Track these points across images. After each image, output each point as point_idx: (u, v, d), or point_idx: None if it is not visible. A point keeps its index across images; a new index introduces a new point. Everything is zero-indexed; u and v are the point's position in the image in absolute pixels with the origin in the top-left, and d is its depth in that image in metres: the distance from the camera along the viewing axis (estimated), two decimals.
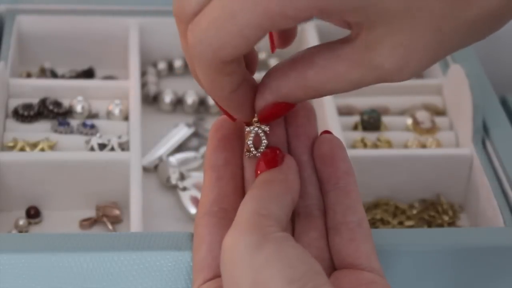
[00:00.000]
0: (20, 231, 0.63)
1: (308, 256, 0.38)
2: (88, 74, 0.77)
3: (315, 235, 0.45)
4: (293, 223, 0.46)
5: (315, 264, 0.38)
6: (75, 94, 0.71)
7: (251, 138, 0.45)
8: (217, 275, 0.43)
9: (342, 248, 0.44)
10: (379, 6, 0.39)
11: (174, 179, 0.68)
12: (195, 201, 0.67)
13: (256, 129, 0.45)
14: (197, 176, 0.69)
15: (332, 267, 0.44)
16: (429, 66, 0.42)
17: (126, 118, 0.70)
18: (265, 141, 0.45)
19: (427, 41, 0.40)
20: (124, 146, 0.67)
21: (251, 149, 0.45)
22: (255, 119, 0.45)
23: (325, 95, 0.43)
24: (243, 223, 0.39)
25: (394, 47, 0.40)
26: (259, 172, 0.44)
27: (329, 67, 0.41)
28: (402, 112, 0.73)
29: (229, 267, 0.38)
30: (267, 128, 0.45)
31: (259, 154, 0.45)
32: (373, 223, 0.66)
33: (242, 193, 0.46)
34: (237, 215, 0.41)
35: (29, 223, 0.64)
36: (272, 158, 0.44)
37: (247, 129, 0.45)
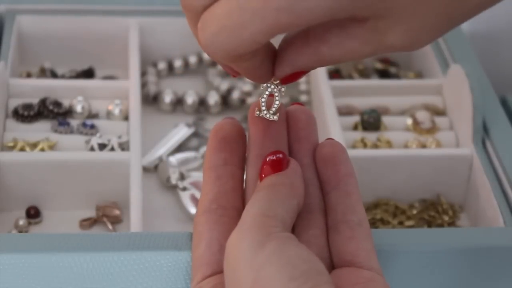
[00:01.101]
0: (20, 231, 0.63)
1: (311, 255, 0.38)
2: (88, 74, 0.77)
3: (315, 232, 0.45)
4: (294, 223, 0.46)
5: (317, 263, 0.38)
6: (75, 94, 0.71)
7: (265, 96, 0.46)
8: (215, 272, 0.44)
9: (342, 246, 0.44)
10: (388, 2, 0.39)
11: (174, 179, 0.68)
12: (195, 201, 0.67)
13: (273, 87, 0.45)
14: (197, 176, 0.69)
15: (331, 265, 0.45)
16: (440, 37, 0.43)
17: (126, 118, 0.70)
18: (278, 102, 0.46)
19: (436, 24, 0.41)
20: (124, 146, 0.67)
21: (263, 108, 0.46)
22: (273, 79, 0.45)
23: (341, 63, 0.45)
24: (248, 223, 0.40)
25: (404, 31, 0.41)
26: (263, 175, 0.44)
27: (342, 43, 0.42)
28: (402, 112, 0.73)
29: (232, 265, 0.38)
30: (283, 88, 0.45)
31: (268, 115, 0.46)
32: (373, 223, 0.66)
33: (241, 192, 0.46)
34: (242, 215, 0.41)
35: (29, 223, 0.64)
36: (277, 162, 0.44)
37: (263, 85, 0.45)
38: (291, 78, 0.44)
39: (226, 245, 0.39)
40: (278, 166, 0.44)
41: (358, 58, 0.43)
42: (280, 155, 0.45)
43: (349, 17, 0.40)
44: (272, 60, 0.44)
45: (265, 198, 0.42)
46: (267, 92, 0.46)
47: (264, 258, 0.38)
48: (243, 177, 0.47)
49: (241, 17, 0.38)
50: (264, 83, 0.45)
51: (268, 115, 0.46)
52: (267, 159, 0.45)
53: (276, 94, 0.45)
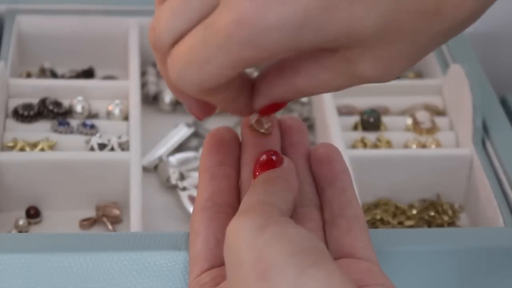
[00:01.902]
0: (20, 231, 0.63)
1: (312, 235, 0.39)
2: (88, 74, 0.77)
3: (311, 226, 0.46)
4: (290, 217, 0.46)
5: (317, 240, 0.39)
6: (75, 94, 0.71)
7: (253, 121, 0.47)
8: (213, 266, 0.44)
9: (339, 239, 0.45)
10: (354, 33, 0.40)
11: (174, 179, 0.68)
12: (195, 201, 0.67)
13: (257, 116, 0.47)
14: (196, 176, 0.69)
15: None
16: (411, 66, 0.44)
17: (126, 118, 0.70)
18: (267, 124, 0.47)
19: (405, 52, 0.42)
20: (124, 146, 0.67)
21: (255, 128, 0.47)
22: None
23: (316, 94, 0.45)
24: (247, 210, 0.40)
25: (374, 60, 0.42)
26: (257, 173, 0.45)
27: (315, 75, 0.43)
28: (402, 112, 0.73)
29: (232, 249, 0.39)
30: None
31: (261, 130, 0.47)
32: (373, 223, 0.66)
33: (237, 191, 0.47)
34: (241, 205, 0.42)
35: (29, 223, 0.64)
36: (271, 160, 0.45)
37: (250, 121, 0.47)
38: (269, 110, 0.45)
39: (226, 232, 0.40)
40: (272, 163, 0.45)
41: (332, 89, 0.43)
42: (273, 154, 0.45)
43: (317, 48, 0.41)
44: (250, 93, 0.45)
45: (262, 189, 0.43)
46: (254, 117, 0.47)
47: (265, 239, 0.38)
48: (237, 178, 0.47)
49: (206, 51, 0.39)
50: (245, 116, 0.46)
51: (261, 130, 0.47)
52: (261, 158, 0.45)
53: (263, 120, 0.47)
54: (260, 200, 0.41)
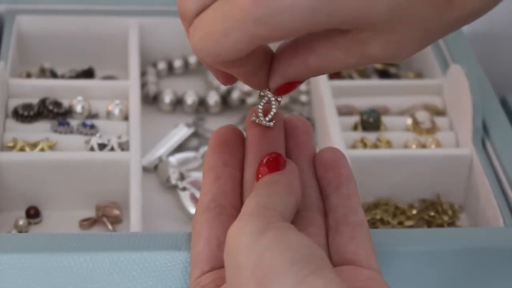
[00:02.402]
0: (20, 231, 0.63)
1: (311, 242, 0.39)
2: (88, 74, 0.77)
3: (313, 231, 0.45)
4: (292, 221, 0.46)
5: (318, 249, 0.38)
6: (75, 94, 0.71)
7: (262, 103, 0.47)
8: (214, 268, 0.44)
9: (342, 246, 0.45)
10: (366, 18, 0.41)
11: (174, 179, 0.68)
12: (195, 200, 0.67)
13: (270, 96, 0.47)
14: (197, 176, 0.69)
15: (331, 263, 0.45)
16: (420, 50, 0.45)
17: (126, 118, 0.70)
18: (275, 110, 0.47)
19: (415, 37, 0.43)
20: (124, 146, 0.67)
21: (259, 115, 0.47)
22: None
23: (328, 73, 0.47)
24: (248, 214, 0.40)
25: (385, 43, 0.42)
26: (260, 176, 0.45)
27: (328, 53, 0.43)
28: (402, 112, 0.73)
29: (232, 253, 0.39)
30: (280, 98, 0.47)
31: (264, 122, 0.47)
32: (373, 223, 0.66)
33: (240, 192, 0.47)
34: (242, 209, 0.42)
35: (29, 223, 0.64)
36: (274, 162, 0.45)
37: (261, 93, 0.47)
38: (284, 89, 0.46)
39: (226, 236, 0.40)
40: (274, 166, 0.45)
41: (343, 68, 0.44)
42: (277, 156, 0.45)
43: (330, 29, 0.42)
44: (269, 69, 0.46)
45: (264, 193, 0.43)
46: (264, 100, 0.47)
47: (265, 244, 0.38)
48: (242, 179, 0.47)
49: (223, 25, 0.40)
50: (261, 89, 0.46)
51: (264, 122, 0.47)
52: (264, 160, 0.45)
53: (273, 103, 0.47)
54: (261, 204, 0.41)
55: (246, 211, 0.41)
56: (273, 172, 0.45)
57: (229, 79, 0.46)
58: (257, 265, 0.37)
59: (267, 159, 0.45)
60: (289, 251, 0.37)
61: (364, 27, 0.41)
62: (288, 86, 0.46)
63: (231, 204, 0.46)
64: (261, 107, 0.47)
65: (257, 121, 0.47)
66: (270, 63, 0.45)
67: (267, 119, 0.47)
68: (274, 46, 0.45)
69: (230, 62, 0.42)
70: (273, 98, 0.47)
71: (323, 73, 0.45)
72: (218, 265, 0.44)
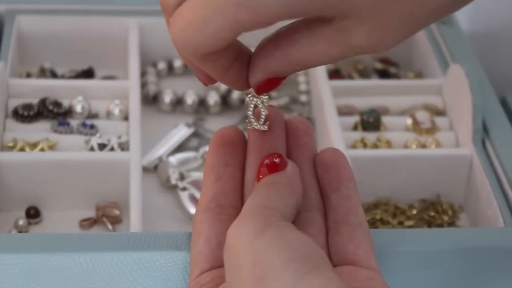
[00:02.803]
0: (20, 231, 0.63)
1: (311, 241, 0.39)
2: (88, 74, 0.77)
3: (313, 231, 0.45)
4: (292, 221, 0.46)
5: (317, 247, 0.38)
6: (75, 94, 0.71)
7: (251, 109, 0.47)
8: (214, 267, 0.44)
9: (342, 246, 0.45)
10: (350, 3, 0.40)
11: (174, 179, 0.68)
12: (195, 200, 0.67)
13: (255, 99, 0.46)
14: (197, 176, 0.69)
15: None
16: (406, 39, 0.44)
17: (126, 118, 0.70)
18: (264, 111, 0.47)
19: (400, 23, 0.42)
20: (124, 146, 0.67)
21: (252, 120, 0.47)
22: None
23: (311, 67, 0.45)
24: (248, 213, 0.40)
25: (369, 31, 0.41)
26: (261, 176, 0.45)
27: (310, 45, 0.43)
28: (402, 112, 0.73)
29: (231, 252, 0.39)
30: (265, 98, 0.46)
31: (258, 126, 0.47)
32: (373, 223, 0.66)
33: (241, 192, 0.47)
34: (242, 209, 0.42)
35: (29, 223, 0.64)
36: (275, 163, 0.45)
37: (246, 99, 0.47)
38: (265, 86, 0.45)
39: (226, 235, 0.40)
40: (275, 167, 0.45)
41: (327, 61, 0.43)
42: (277, 157, 0.45)
43: (313, 17, 0.41)
44: (246, 65, 0.45)
45: (264, 193, 0.43)
46: (252, 105, 0.47)
47: (264, 243, 0.38)
48: (243, 179, 0.47)
49: (204, 12, 0.40)
50: (241, 90, 0.46)
51: (258, 126, 0.47)
52: (265, 161, 0.45)
53: (260, 105, 0.46)
54: (262, 204, 0.41)
55: (246, 211, 0.41)
56: (274, 172, 0.45)
57: (210, 78, 0.45)
58: (255, 264, 0.37)
59: (267, 160, 0.45)
60: (288, 249, 0.37)
61: (348, 13, 0.41)
62: (270, 83, 0.45)
63: (231, 204, 0.46)
64: (251, 112, 0.47)
65: (251, 127, 0.47)
66: (246, 59, 0.45)
67: (260, 122, 0.47)
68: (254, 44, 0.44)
69: (208, 55, 0.42)
70: (260, 101, 0.46)
71: (306, 67, 0.44)
72: (218, 264, 0.44)
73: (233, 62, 0.44)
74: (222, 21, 0.40)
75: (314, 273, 0.36)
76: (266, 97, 0.46)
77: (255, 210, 0.40)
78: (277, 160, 0.45)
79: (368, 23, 0.41)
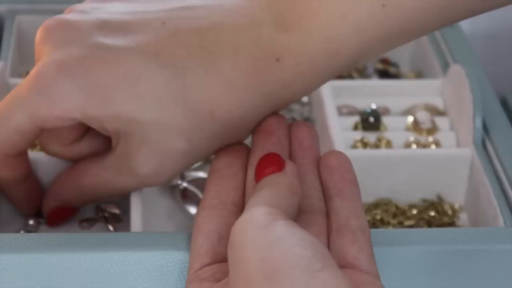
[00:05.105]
0: (29, 231, 0.63)
1: (317, 241, 0.39)
2: None
3: (315, 231, 0.45)
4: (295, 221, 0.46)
5: (324, 248, 0.38)
6: None
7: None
8: (214, 262, 0.44)
9: (343, 249, 0.45)
10: (131, 115, 0.45)
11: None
12: (195, 201, 0.67)
13: None
14: (197, 176, 0.69)
15: None
16: (183, 171, 0.51)
17: None
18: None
19: (179, 149, 0.46)
20: None
21: None
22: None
23: (104, 197, 0.52)
24: (253, 211, 0.40)
25: (149, 155, 0.46)
26: (259, 175, 0.45)
27: (98, 174, 0.48)
28: (402, 112, 0.73)
29: (238, 248, 0.39)
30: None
31: None
32: (373, 223, 0.66)
33: (243, 191, 0.47)
34: (246, 206, 0.42)
35: (39, 223, 0.64)
36: (274, 163, 0.45)
37: None
38: (58, 216, 0.51)
39: (231, 231, 0.39)
40: (274, 166, 0.45)
41: (112, 191, 0.50)
42: (275, 157, 0.45)
43: (99, 125, 0.46)
44: (37, 191, 0.52)
45: (267, 193, 0.43)
46: None
47: (272, 239, 0.38)
48: (245, 179, 0.47)
49: (3, 111, 0.46)
50: (29, 213, 0.52)
51: None
52: (263, 161, 0.45)
53: None
54: (266, 202, 0.41)
55: (250, 209, 0.41)
56: (272, 171, 0.45)
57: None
58: (264, 260, 0.37)
59: (265, 158, 0.45)
60: (297, 246, 0.37)
61: (132, 128, 0.45)
62: (61, 214, 0.51)
63: (233, 202, 0.46)
64: None
65: None
66: (34, 190, 0.51)
67: None
68: None
69: (11, 158, 0.48)
70: None
71: (98, 197, 0.50)
72: (218, 259, 0.44)
73: (26, 177, 0.51)
74: (21, 117, 0.45)
75: (326, 271, 0.36)
76: None
77: (260, 208, 0.40)
78: (276, 160, 0.45)
79: (150, 145, 0.45)
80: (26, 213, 0.51)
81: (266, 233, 0.38)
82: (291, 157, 0.48)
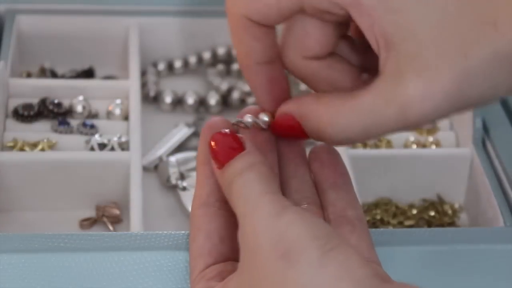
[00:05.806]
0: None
1: (327, 224, 0.40)
2: (88, 74, 0.77)
3: None
4: None
5: (334, 230, 0.39)
6: (75, 94, 0.71)
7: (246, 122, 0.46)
8: (218, 261, 0.44)
9: (343, 238, 0.45)
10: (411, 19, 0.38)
11: (174, 179, 0.68)
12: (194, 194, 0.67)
13: (248, 119, 0.46)
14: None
15: None
16: (452, 108, 0.40)
17: (126, 118, 0.70)
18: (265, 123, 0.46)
19: (452, 66, 0.38)
20: (124, 146, 0.67)
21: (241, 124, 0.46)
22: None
23: (337, 141, 0.43)
24: (258, 198, 0.40)
25: (419, 76, 0.39)
26: (217, 164, 0.43)
27: (367, 106, 0.41)
28: None
29: (249, 236, 0.39)
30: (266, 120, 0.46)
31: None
32: (373, 223, 0.66)
33: None
34: (245, 197, 0.41)
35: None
36: (233, 145, 0.43)
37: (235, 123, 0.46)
38: (284, 125, 0.45)
39: (239, 225, 0.40)
40: (234, 148, 0.44)
41: (385, 129, 0.41)
42: (231, 136, 0.44)
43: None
44: (282, 86, 0.45)
45: (256, 179, 0.41)
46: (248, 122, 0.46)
47: (285, 223, 0.38)
48: None
49: None
50: (262, 105, 0.46)
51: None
52: (215, 137, 0.44)
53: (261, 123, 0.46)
54: (264, 190, 0.41)
55: (254, 201, 0.40)
56: (235, 155, 0.43)
57: (275, 97, 0.46)
58: (279, 242, 0.38)
59: (219, 135, 0.44)
60: (309, 228, 0.38)
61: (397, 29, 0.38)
62: (289, 126, 0.44)
63: None
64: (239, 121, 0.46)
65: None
66: (284, 89, 0.45)
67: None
68: None
69: (255, 25, 0.42)
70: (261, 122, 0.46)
71: (330, 135, 0.43)
72: (221, 259, 0.44)
73: (270, 58, 0.44)
74: None
75: (338, 249, 0.37)
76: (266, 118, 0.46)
77: (263, 195, 0.40)
78: (233, 141, 0.44)
79: (418, 60, 0.38)
80: (264, 105, 0.45)
81: (278, 219, 0.39)
82: (278, 152, 0.47)
